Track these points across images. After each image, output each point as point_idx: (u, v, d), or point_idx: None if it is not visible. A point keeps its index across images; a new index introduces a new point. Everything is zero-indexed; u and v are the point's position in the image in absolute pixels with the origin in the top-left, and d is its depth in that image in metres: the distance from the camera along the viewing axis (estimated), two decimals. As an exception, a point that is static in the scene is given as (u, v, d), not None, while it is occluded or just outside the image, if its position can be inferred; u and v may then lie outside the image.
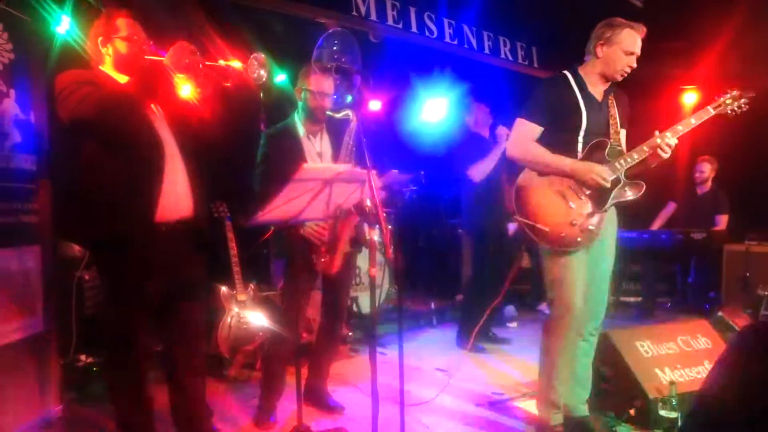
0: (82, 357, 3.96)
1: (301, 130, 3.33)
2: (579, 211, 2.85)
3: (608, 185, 2.82)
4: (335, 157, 3.32)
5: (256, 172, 3.27)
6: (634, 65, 2.87)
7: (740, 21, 5.83)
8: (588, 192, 2.87)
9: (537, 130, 2.93)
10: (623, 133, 3.02)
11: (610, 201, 2.87)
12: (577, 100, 2.89)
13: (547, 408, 3.01)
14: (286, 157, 3.20)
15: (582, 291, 2.90)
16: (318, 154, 3.32)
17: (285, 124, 3.36)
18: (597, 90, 2.95)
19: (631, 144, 2.98)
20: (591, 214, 2.85)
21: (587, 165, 2.84)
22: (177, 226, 2.59)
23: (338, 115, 3.28)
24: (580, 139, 2.89)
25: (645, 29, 2.88)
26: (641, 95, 2.92)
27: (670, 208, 6.59)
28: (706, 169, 6.30)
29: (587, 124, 2.88)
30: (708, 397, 1.76)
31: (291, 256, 3.32)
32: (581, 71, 2.96)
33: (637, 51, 2.85)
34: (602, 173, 2.81)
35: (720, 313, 4.00)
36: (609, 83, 2.97)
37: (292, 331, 3.20)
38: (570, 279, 2.89)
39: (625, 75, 2.90)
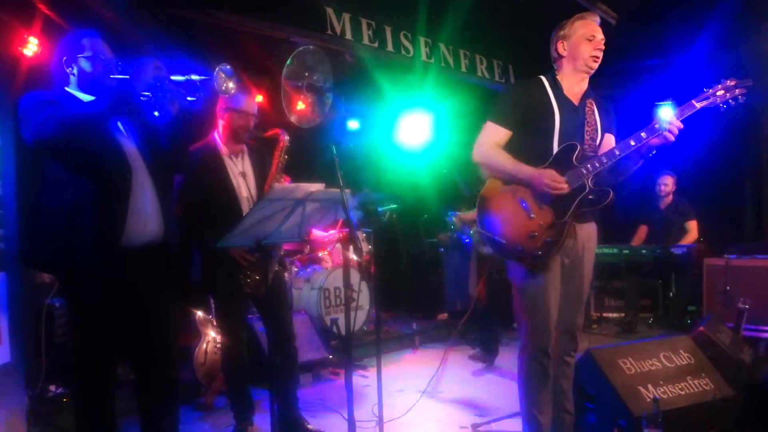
0: (52, 388, 3.83)
1: (222, 149, 3.30)
2: (539, 222, 2.66)
3: (561, 192, 2.62)
4: (258, 177, 3.32)
5: (179, 189, 3.15)
6: (602, 47, 2.73)
7: (713, 37, 5.92)
8: (549, 201, 2.66)
9: (504, 133, 2.77)
10: (609, 138, 2.86)
11: (572, 210, 2.65)
12: (549, 101, 2.74)
13: None
14: (209, 176, 3.19)
15: (554, 316, 2.75)
16: (241, 173, 3.30)
17: (206, 143, 3.31)
18: (575, 92, 2.80)
19: None
20: (552, 225, 2.65)
21: (540, 172, 2.64)
22: (145, 250, 2.51)
23: (267, 135, 3.30)
24: (555, 144, 2.71)
25: (598, 17, 2.79)
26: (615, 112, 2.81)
27: (643, 231, 6.66)
28: (670, 182, 6.43)
29: (561, 127, 2.71)
30: None
31: (215, 279, 3.24)
32: (558, 76, 2.82)
33: (598, 35, 2.73)
34: (553, 180, 2.61)
35: (701, 328, 3.98)
36: (586, 81, 2.81)
37: (238, 349, 3.29)
38: (540, 304, 2.72)
39: (597, 62, 2.74)
